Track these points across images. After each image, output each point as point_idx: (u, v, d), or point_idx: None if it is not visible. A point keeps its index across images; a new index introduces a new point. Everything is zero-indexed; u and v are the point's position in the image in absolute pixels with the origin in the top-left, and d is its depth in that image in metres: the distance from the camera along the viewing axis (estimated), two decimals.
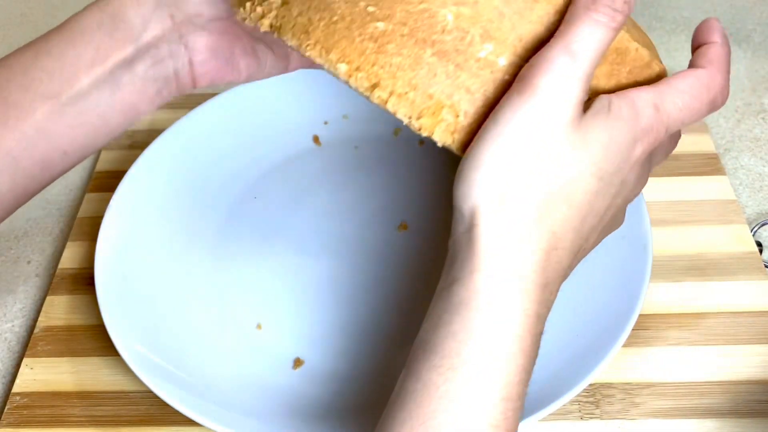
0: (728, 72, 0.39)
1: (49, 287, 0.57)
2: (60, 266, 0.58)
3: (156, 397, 0.45)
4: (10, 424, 0.49)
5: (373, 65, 0.36)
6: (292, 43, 0.38)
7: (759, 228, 0.58)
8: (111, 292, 0.50)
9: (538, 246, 0.35)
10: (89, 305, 0.54)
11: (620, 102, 0.36)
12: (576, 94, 0.35)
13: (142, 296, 0.51)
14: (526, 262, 0.34)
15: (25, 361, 0.52)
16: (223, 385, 0.47)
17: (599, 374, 0.45)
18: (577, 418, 0.47)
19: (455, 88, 0.36)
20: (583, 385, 0.44)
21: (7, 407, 0.50)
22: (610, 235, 0.40)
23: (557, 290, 0.36)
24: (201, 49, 0.48)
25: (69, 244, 0.59)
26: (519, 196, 0.35)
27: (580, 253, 0.38)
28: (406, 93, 0.36)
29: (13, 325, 0.56)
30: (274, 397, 0.47)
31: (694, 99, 0.38)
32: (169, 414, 0.46)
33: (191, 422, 0.44)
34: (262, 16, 0.39)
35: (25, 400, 0.50)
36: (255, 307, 0.53)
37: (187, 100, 0.55)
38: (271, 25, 0.39)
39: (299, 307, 0.53)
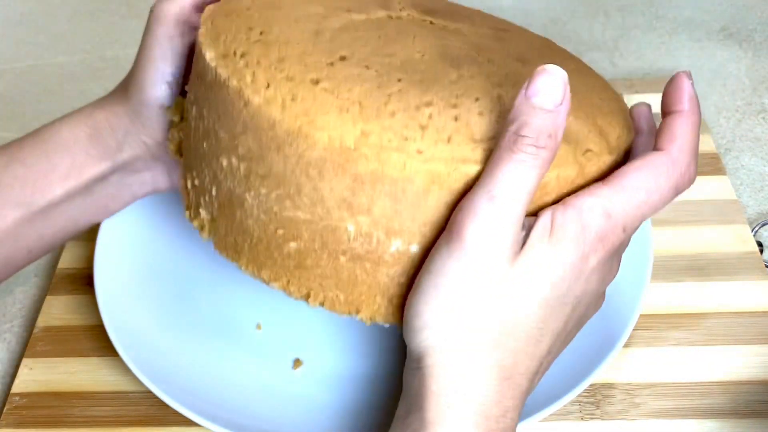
0: (695, 145, 0.37)
1: (48, 287, 0.57)
2: (59, 266, 0.58)
3: (155, 397, 0.45)
4: (9, 425, 0.49)
5: (299, 279, 0.40)
6: (228, 259, 0.42)
7: (760, 228, 0.58)
8: (110, 293, 0.50)
9: (490, 381, 0.35)
10: (88, 305, 0.54)
11: (564, 218, 0.35)
12: (505, 237, 0.34)
13: (141, 296, 0.51)
14: (481, 397, 0.35)
15: (25, 361, 0.52)
16: (222, 385, 0.47)
17: (600, 375, 0.45)
18: (578, 419, 0.47)
19: (379, 280, 0.39)
20: (583, 385, 0.44)
21: (6, 407, 0.50)
22: None
23: (520, 410, 0.36)
24: (177, 166, 0.49)
25: (68, 244, 0.59)
26: (463, 339, 0.35)
27: (542, 368, 0.38)
28: (337, 296, 0.40)
29: (12, 326, 0.56)
30: (274, 397, 0.47)
31: (652, 192, 0.36)
32: (169, 414, 0.45)
33: (190, 422, 0.44)
34: (201, 228, 0.43)
35: (24, 400, 0.50)
36: (255, 307, 0.53)
37: None
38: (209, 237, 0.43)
39: (299, 307, 0.53)
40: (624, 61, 0.75)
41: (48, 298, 0.56)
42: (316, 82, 0.37)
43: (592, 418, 0.47)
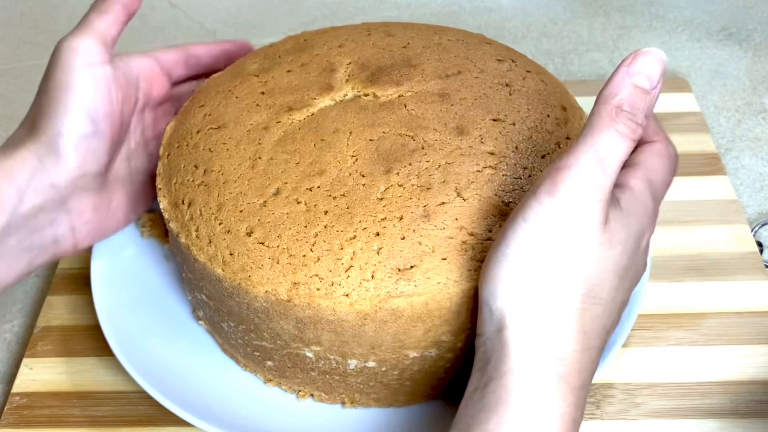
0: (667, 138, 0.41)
1: (48, 287, 0.57)
2: (59, 266, 0.58)
3: (154, 399, 0.45)
4: (9, 424, 0.49)
5: (286, 383, 0.47)
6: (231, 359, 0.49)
7: (759, 228, 0.58)
8: (107, 293, 0.50)
9: (573, 348, 0.35)
10: (88, 305, 0.54)
11: (627, 198, 0.37)
12: (605, 200, 0.35)
13: (139, 297, 0.51)
14: (562, 365, 0.34)
15: (25, 361, 0.52)
16: (220, 387, 0.47)
17: (600, 375, 0.44)
18: None
19: (350, 383, 0.44)
20: None
21: (6, 407, 0.50)
22: None
23: (589, 390, 0.36)
24: (84, 210, 0.47)
25: None
26: (551, 298, 0.35)
27: (603, 344, 0.38)
28: (320, 395, 0.46)
29: (12, 326, 0.56)
30: (272, 399, 0.47)
31: (667, 173, 0.39)
32: (168, 414, 0.45)
33: (189, 423, 0.44)
34: (208, 331, 0.50)
35: (24, 400, 0.50)
36: None
37: None
38: None
39: None
40: None
41: (48, 298, 0.56)
42: (250, 233, 0.41)
43: (592, 418, 0.47)
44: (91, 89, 0.45)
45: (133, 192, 0.51)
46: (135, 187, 0.51)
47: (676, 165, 0.40)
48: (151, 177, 0.52)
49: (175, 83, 0.53)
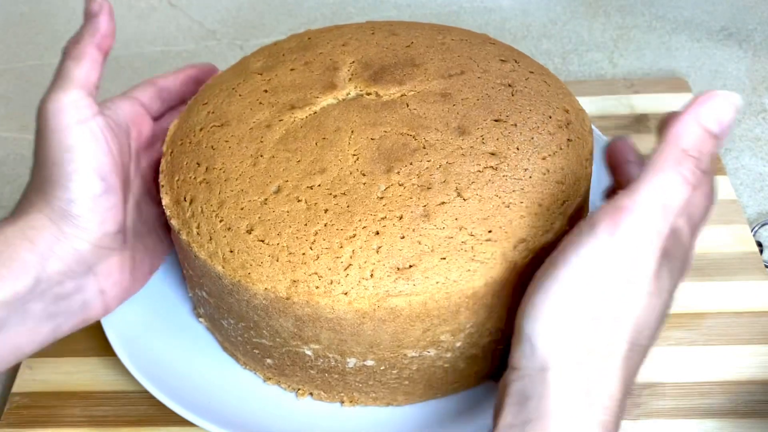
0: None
1: None
2: None
3: (155, 397, 0.45)
4: (10, 424, 0.49)
5: (286, 381, 0.47)
6: (232, 357, 0.49)
7: (759, 228, 0.58)
8: None
9: (615, 396, 0.34)
10: None
11: (674, 243, 0.36)
12: (662, 247, 0.34)
13: (139, 297, 0.51)
14: (605, 413, 0.34)
15: (25, 361, 0.52)
16: (220, 385, 0.47)
17: None
18: None
19: (349, 382, 0.44)
20: None
21: (7, 407, 0.50)
22: None
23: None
24: (112, 271, 0.45)
25: None
26: (599, 344, 0.34)
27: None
28: (319, 394, 0.46)
29: None
30: (271, 397, 0.47)
31: (707, 212, 0.38)
32: (168, 414, 0.45)
33: (189, 422, 0.44)
34: (208, 329, 0.50)
35: (25, 400, 0.50)
36: None
37: None
38: None
39: None
40: (624, 61, 0.75)
41: None
42: (250, 230, 0.41)
43: None
44: (92, 146, 0.43)
45: (152, 241, 0.49)
46: (152, 236, 0.50)
47: (715, 202, 0.39)
48: (164, 222, 0.50)
49: (156, 119, 0.51)
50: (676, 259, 0.36)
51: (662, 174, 0.34)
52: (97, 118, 0.43)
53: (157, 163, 0.49)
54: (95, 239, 0.43)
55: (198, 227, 0.43)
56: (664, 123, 0.36)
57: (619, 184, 0.42)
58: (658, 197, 0.34)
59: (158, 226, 0.50)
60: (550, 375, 0.34)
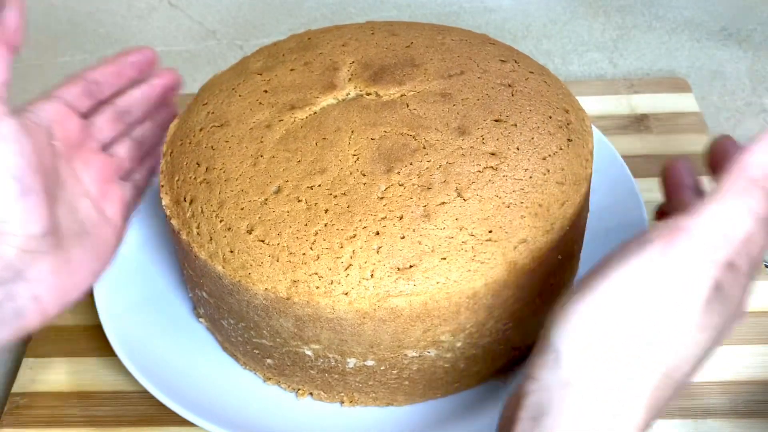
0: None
1: None
2: None
3: (155, 397, 0.45)
4: (10, 424, 0.49)
5: (286, 381, 0.47)
6: (232, 358, 0.50)
7: None
8: (108, 293, 0.50)
9: (636, 425, 0.31)
10: (89, 306, 0.54)
11: (730, 278, 0.33)
12: (716, 278, 0.32)
13: (141, 295, 0.51)
14: None
15: (25, 361, 0.52)
16: (220, 385, 0.47)
17: None
18: None
19: (349, 383, 0.44)
20: None
21: (7, 407, 0.50)
22: (609, 236, 0.40)
23: None
24: (44, 276, 0.41)
25: None
26: (630, 370, 0.31)
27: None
28: (319, 394, 0.46)
29: None
30: (271, 397, 0.47)
31: (766, 247, 0.34)
32: (168, 414, 0.45)
33: (189, 422, 0.44)
34: (208, 328, 0.50)
35: (25, 400, 0.50)
36: None
37: None
38: None
39: None
40: (624, 61, 0.75)
41: None
42: (250, 231, 0.41)
43: None
44: (2, 147, 0.39)
45: (92, 244, 0.46)
46: (93, 238, 0.46)
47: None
48: (115, 220, 0.47)
49: (86, 115, 0.48)
50: (730, 297, 0.33)
51: (728, 201, 0.32)
52: (8, 120, 0.40)
53: (104, 161, 0.47)
54: (20, 243, 0.40)
55: (198, 227, 0.43)
56: (715, 152, 0.33)
57: (672, 206, 0.39)
58: (720, 224, 0.32)
59: (104, 229, 0.46)
60: (571, 392, 0.31)
